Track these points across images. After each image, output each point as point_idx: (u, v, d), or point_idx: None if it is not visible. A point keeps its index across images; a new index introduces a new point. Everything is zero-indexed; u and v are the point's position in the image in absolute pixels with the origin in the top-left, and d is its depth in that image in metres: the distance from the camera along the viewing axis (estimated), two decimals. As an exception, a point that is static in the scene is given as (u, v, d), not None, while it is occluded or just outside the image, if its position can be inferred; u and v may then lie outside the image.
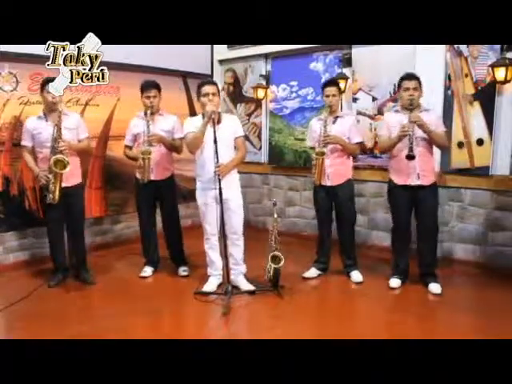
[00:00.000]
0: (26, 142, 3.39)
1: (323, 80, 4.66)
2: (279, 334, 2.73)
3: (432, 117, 3.27)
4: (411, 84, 3.21)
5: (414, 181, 3.28)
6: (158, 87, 3.61)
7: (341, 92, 3.63)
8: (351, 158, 3.65)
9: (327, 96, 3.51)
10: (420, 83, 3.25)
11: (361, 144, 3.73)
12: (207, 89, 3.19)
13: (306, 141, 3.84)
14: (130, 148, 3.71)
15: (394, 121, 3.32)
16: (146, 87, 3.57)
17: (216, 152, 3.06)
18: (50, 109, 3.30)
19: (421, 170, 3.25)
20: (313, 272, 3.72)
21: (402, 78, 3.28)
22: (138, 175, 3.63)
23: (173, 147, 3.69)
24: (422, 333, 2.76)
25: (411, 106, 3.16)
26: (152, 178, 3.57)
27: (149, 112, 3.52)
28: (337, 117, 3.56)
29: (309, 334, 2.74)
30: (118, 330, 2.73)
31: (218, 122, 3.20)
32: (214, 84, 3.28)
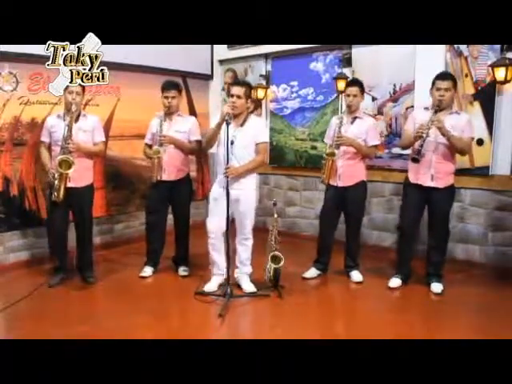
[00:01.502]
0: (44, 137, 3.46)
1: (323, 80, 4.68)
2: (279, 334, 2.73)
3: (460, 120, 3.19)
4: (444, 84, 3.13)
5: (427, 182, 3.24)
6: (178, 88, 3.62)
7: (363, 93, 3.58)
8: (365, 159, 3.58)
9: (348, 95, 3.48)
10: (454, 84, 3.18)
11: (377, 147, 3.63)
12: (233, 90, 3.20)
13: (325, 138, 3.81)
14: (150, 147, 3.70)
15: (420, 118, 3.25)
16: (165, 87, 3.57)
17: (227, 153, 3.07)
18: (69, 109, 3.31)
19: (436, 172, 3.21)
20: (313, 272, 3.71)
21: (436, 77, 3.19)
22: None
23: (186, 149, 3.68)
24: (422, 333, 2.76)
25: (437, 108, 3.11)
26: (165, 178, 3.57)
27: (163, 112, 3.54)
28: (355, 117, 3.52)
29: (309, 334, 2.74)
30: (118, 330, 2.72)
31: (243, 123, 3.21)
32: (242, 86, 3.22)
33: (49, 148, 3.46)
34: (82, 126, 3.38)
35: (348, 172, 3.50)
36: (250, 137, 3.23)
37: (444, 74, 3.23)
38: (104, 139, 3.62)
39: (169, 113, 3.58)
